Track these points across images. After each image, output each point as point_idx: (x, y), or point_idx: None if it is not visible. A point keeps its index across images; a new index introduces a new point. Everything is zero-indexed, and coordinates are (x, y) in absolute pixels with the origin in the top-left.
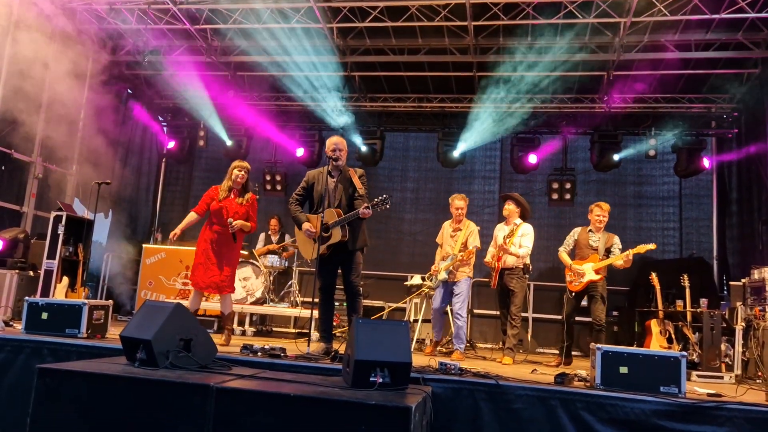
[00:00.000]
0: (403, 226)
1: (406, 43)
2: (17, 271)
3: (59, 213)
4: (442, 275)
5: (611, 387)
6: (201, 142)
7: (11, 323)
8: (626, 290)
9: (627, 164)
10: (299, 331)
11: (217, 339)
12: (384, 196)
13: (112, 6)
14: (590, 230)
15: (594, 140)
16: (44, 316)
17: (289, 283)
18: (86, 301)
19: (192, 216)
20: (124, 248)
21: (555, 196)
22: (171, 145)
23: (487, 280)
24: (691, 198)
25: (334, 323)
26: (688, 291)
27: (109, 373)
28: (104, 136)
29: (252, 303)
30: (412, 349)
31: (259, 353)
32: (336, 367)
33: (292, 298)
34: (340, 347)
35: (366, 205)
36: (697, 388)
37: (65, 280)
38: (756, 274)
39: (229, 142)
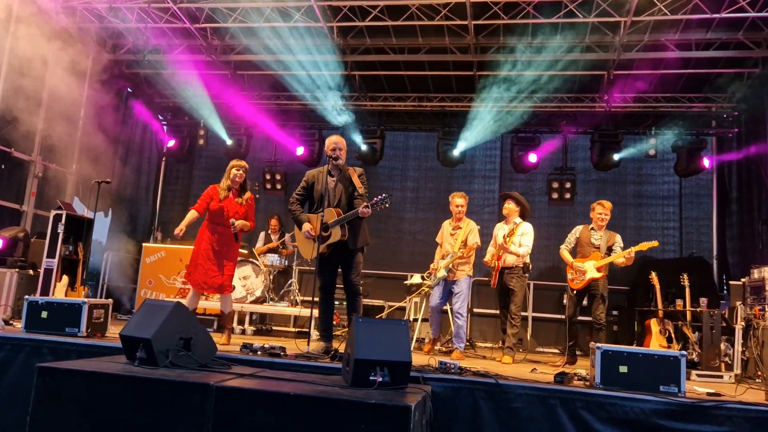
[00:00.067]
0: (403, 226)
1: (406, 42)
2: (17, 269)
3: (59, 212)
4: (442, 273)
5: (611, 386)
6: (201, 141)
7: (11, 322)
8: (626, 289)
9: (627, 164)
10: (299, 330)
11: (217, 338)
12: (383, 195)
13: (112, 5)
14: (592, 228)
15: (594, 139)
16: (44, 314)
17: (289, 282)
18: (86, 300)
19: (193, 214)
20: (123, 247)
21: (555, 196)
22: (171, 143)
23: (486, 279)
24: (691, 197)
25: (334, 322)
26: (687, 290)
27: (109, 372)
28: (104, 135)
29: (252, 302)
30: (411, 348)
31: (259, 352)
32: (336, 366)
33: (291, 297)
34: (339, 346)
35: (365, 204)
36: (696, 387)
37: (65, 278)
38: (756, 274)
39: (229, 141)
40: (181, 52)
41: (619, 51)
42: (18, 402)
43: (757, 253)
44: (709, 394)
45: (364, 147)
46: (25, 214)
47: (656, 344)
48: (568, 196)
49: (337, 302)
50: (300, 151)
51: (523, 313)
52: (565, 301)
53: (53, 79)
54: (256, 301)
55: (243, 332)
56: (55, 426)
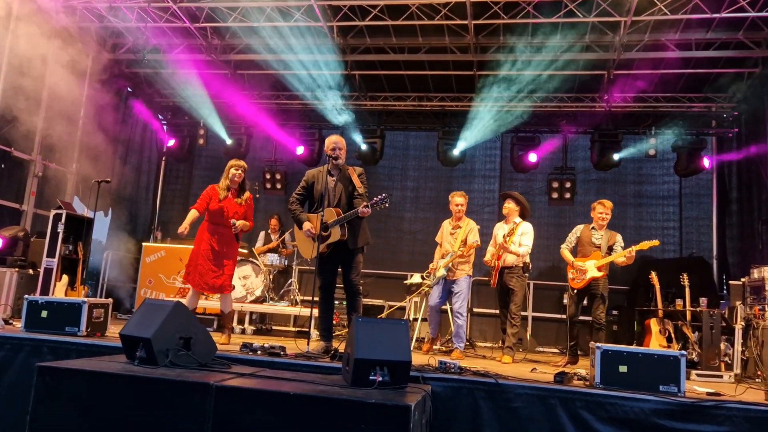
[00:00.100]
0: (403, 225)
1: (406, 42)
2: (17, 269)
3: (59, 211)
4: (441, 272)
5: (611, 386)
6: (201, 141)
7: (11, 321)
8: (626, 289)
9: (627, 163)
10: (299, 329)
11: (217, 337)
12: (383, 195)
13: (111, 4)
14: (593, 227)
15: (594, 139)
16: (44, 314)
17: (289, 281)
18: (86, 299)
19: (194, 213)
20: (123, 246)
21: (555, 195)
22: (171, 143)
23: (486, 279)
24: (691, 197)
25: (334, 322)
26: (687, 290)
27: (108, 371)
28: (104, 134)
29: (252, 301)
30: (411, 348)
31: (259, 352)
32: (336, 365)
33: (291, 297)
34: (339, 346)
35: (365, 203)
36: (696, 387)
37: (65, 278)
38: (755, 274)
39: (229, 141)
40: (181, 51)
41: (619, 51)
42: (18, 401)
43: (757, 253)
44: (708, 393)
45: (364, 146)
46: (25, 213)
47: (656, 344)
48: (568, 195)
49: (337, 302)
50: (300, 150)
51: (522, 313)
52: (565, 300)
53: (53, 79)
54: (256, 301)
55: (243, 332)
56: (54, 425)
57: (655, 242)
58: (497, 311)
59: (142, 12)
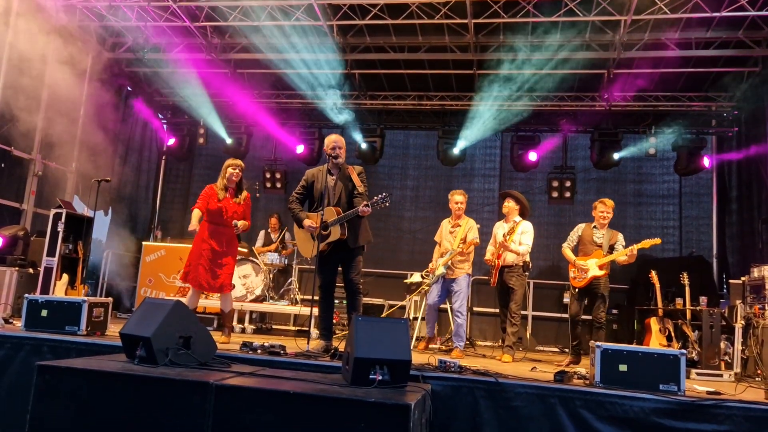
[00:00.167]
0: (403, 224)
1: (406, 41)
2: (17, 268)
3: (59, 210)
4: (440, 270)
5: (610, 385)
6: (201, 140)
7: (11, 320)
8: (626, 288)
9: (627, 162)
10: (299, 328)
11: (217, 336)
12: (383, 194)
13: (111, 3)
14: (594, 226)
15: (594, 138)
16: (44, 313)
17: (289, 280)
18: (86, 298)
19: (198, 213)
20: (123, 245)
21: (555, 194)
22: (171, 142)
23: (486, 278)
24: (691, 196)
25: (334, 321)
26: (687, 289)
27: (108, 370)
28: (104, 134)
29: (252, 300)
30: (411, 347)
31: (259, 351)
32: (335, 364)
33: (291, 296)
34: (339, 345)
35: (365, 203)
36: (696, 386)
37: (65, 277)
38: (755, 273)
39: (228, 140)
40: (181, 50)
41: (619, 50)
42: (18, 400)
43: (757, 252)
44: (708, 392)
45: (364, 145)
46: (25, 212)
47: (656, 343)
48: (568, 195)
49: (337, 301)
50: (300, 149)
51: (522, 312)
52: (566, 299)
53: (53, 78)
54: (256, 300)
55: (243, 331)
56: (54, 424)
57: (657, 240)
58: (497, 310)
59: (142, 11)
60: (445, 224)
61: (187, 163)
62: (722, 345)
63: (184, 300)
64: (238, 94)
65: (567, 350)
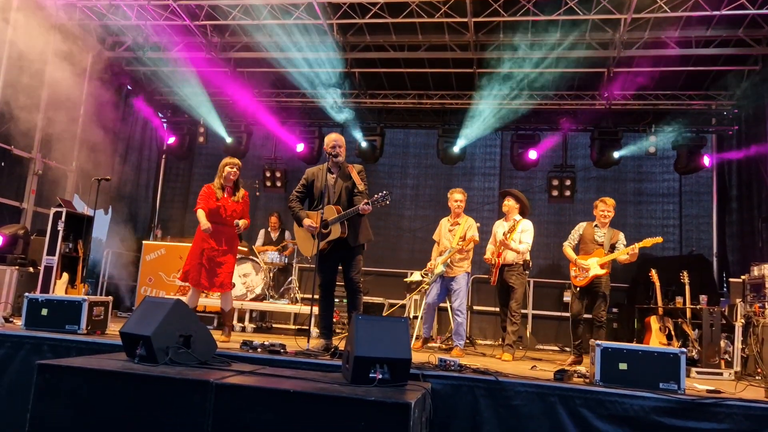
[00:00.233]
0: (403, 223)
1: (406, 40)
2: (17, 267)
3: (59, 209)
4: (440, 268)
5: (611, 383)
6: (201, 139)
7: (11, 319)
8: (626, 287)
9: (627, 161)
10: (299, 327)
11: (217, 335)
12: (383, 192)
13: (111, 2)
14: (595, 225)
15: (594, 137)
16: (44, 312)
17: (289, 279)
18: (86, 297)
19: (203, 212)
20: (123, 244)
21: (555, 193)
22: (171, 141)
23: (486, 276)
24: (691, 195)
25: (334, 320)
26: (687, 288)
27: (108, 369)
28: (104, 132)
29: (252, 299)
30: (411, 346)
31: (259, 349)
32: (336, 363)
33: (292, 295)
34: (339, 344)
35: (365, 201)
36: (696, 384)
37: (65, 276)
38: (756, 271)
39: (228, 139)
40: (181, 49)
41: (620, 48)
42: (18, 399)
43: (757, 251)
44: (708, 391)
45: (364, 144)
46: (25, 211)
47: (656, 341)
48: (568, 193)
49: (337, 300)
50: (300, 148)
51: (522, 311)
52: (567, 298)
53: (53, 76)
54: (256, 299)
55: (243, 330)
56: (54, 423)
57: (659, 239)
58: (497, 309)
59: (142, 10)
60: (444, 223)
61: (187, 161)
62: (722, 343)
63: (184, 299)
64: (238, 92)
65: (567, 349)
